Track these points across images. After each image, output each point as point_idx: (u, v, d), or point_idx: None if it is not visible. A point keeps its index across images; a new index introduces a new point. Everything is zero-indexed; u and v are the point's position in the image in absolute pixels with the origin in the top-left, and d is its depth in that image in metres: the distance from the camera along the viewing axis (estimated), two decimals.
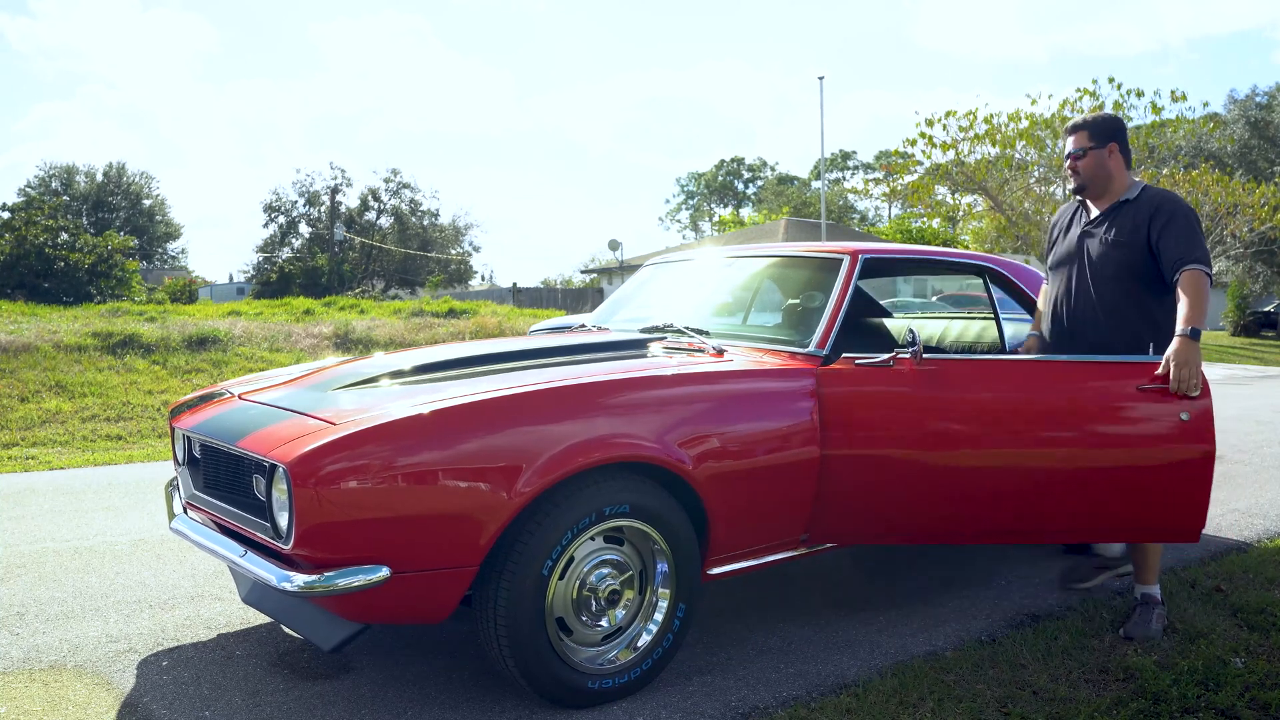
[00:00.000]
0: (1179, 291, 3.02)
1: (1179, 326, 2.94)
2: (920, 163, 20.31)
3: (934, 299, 21.33)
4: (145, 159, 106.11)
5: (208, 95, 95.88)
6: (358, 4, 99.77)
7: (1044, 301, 3.49)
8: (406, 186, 41.70)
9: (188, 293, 27.36)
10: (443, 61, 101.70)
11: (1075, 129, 3.28)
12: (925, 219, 31.07)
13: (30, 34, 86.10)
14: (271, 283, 31.32)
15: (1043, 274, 3.74)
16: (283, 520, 2.31)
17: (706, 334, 3.36)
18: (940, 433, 2.97)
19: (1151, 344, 3.12)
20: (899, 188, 21.64)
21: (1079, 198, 3.38)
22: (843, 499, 2.97)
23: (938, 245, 26.52)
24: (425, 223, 42.07)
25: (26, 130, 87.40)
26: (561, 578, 2.54)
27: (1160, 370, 2.91)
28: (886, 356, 2.99)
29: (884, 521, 3.09)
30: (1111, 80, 18.81)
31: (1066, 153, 3.31)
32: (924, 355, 2.99)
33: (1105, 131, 3.26)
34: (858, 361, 3.02)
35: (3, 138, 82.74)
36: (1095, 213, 3.30)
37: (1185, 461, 2.94)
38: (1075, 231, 3.34)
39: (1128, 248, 3.17)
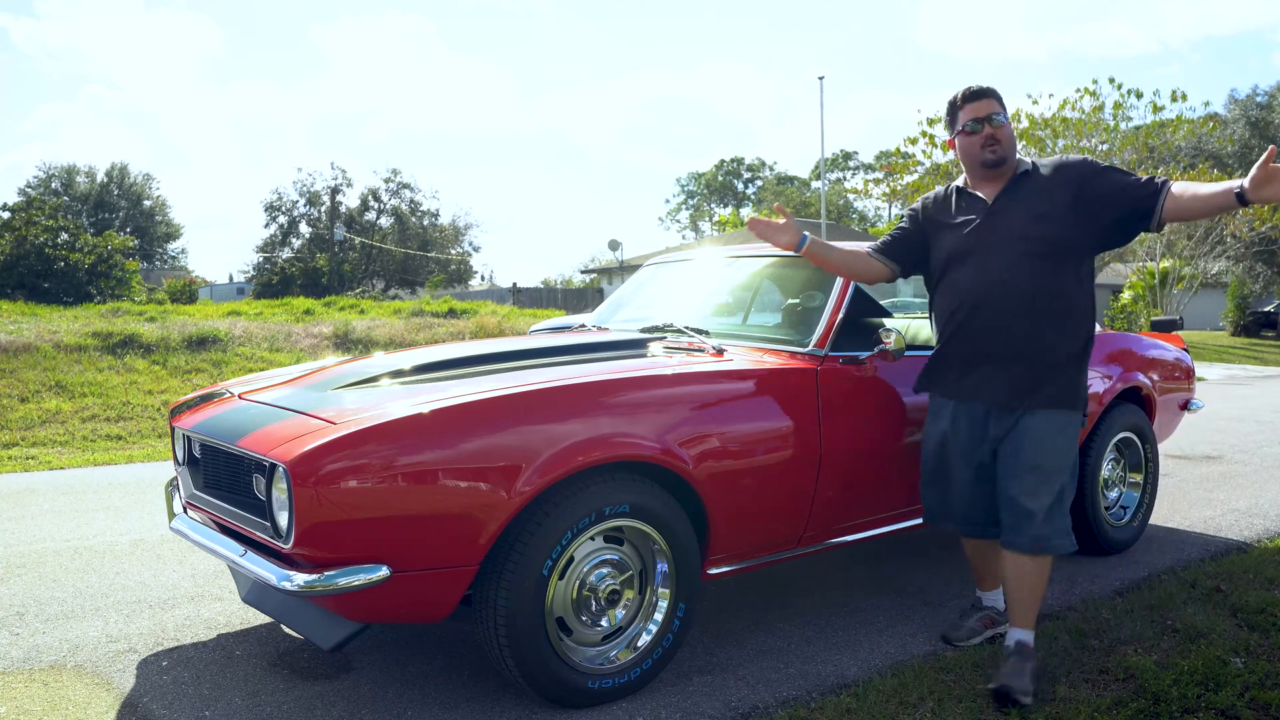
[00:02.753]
0: (1189, 200, 2.58)
1: (1229, 188, 2.47)
2: (921, 163, 20.34)
3: None
4: (147, 159, 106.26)
5: (211, 96, 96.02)
6: (361, 5, 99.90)
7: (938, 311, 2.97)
8: (406, 187, 41.73)
9: (188, 293, 27.32)
10: (446, 62, 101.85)
11: (983, 95, 2.82)
12: None
13: (35, 35, 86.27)
14: (272, 283, 31.31)
15: None
16: (282, 519, 2.31)
17: (706, 334, 3.36)
18: (904, 419, 3.26)
19: (1081, 338, 2.77)
20: (899, 188, 21.67)
21: (951, 185, 3.00)
22: (837, 493, 3.05)
23: None
24: (425, 223, 42.08)
25: (30, 130, 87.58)
26: (561, 578, 2.53)
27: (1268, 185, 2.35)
28: (866, 355, 3.16)
29: (865, 509, 3.25)
30: (1112, 80, 18.88)
31: (979, 119, 2.80)
32: (906, 353, 3.16)
33: (1004, 100, 2.87)
34: (841, 360, 3.12)
35: (7, 138, 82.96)
36: (989, 195, 2.85)
37: None
38: (971, 221, 2.84)
39: (1056, 221, 2.73)
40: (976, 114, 2.82)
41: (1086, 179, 2.74)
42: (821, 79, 26.26)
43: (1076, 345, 2.78)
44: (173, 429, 3.07)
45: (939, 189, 3.06)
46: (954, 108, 2.90)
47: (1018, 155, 2.89)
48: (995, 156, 2.81)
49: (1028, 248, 2.74)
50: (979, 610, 3.14)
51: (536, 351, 3.11)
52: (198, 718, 2.54)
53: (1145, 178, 2.69)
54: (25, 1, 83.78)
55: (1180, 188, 2.62)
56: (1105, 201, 2.71)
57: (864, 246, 3.14)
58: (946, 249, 2.90)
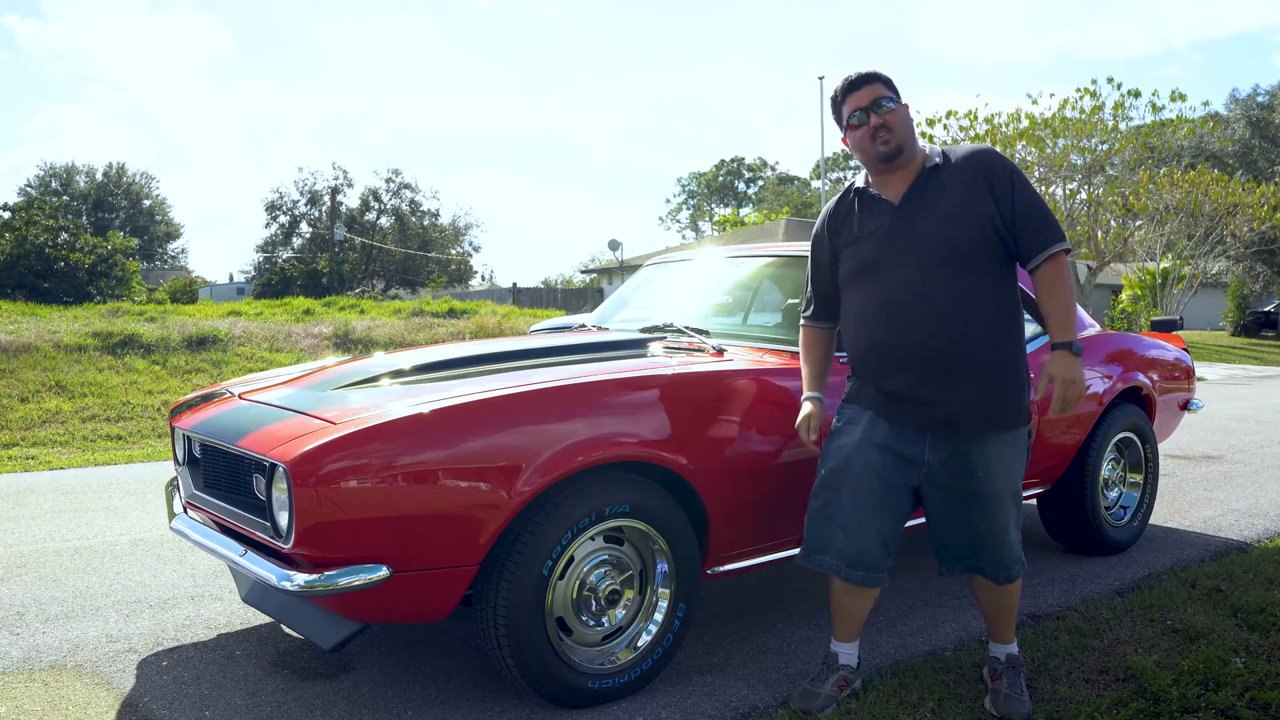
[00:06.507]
0: (1045, 286, 2.42)
1: (1058, 336, 2.38)
2: None
3: None
4: (150, 159, 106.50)
5: (214, 96, 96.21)
6: (364, 5, 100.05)
7: (850, 326, 2.62)
8: (407, 187, 41.77)
9: (188, 293, 27.36)
10: (449, 62, 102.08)
11: (865, 82, 2.49)
12: None
13: (40, 36, 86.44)
14: (272, 283, 31.31)
15: None
16: (283, 519, 2.31)
17: (707, 334, 3.36)
18: None
19: (1012, 353, 2.49)
20: None
21: (850, 187, 2.63)
22: None
23: None
24: (425, 223, 42.10)
25: (32, 131, 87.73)
26: (561, 577, 2.53)
27: (1040, 394, 2.45)
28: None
29: None
30: (1111, 80, 18.86)
31: (863, 108, 2.47)
32: None
33: (893, 83, 2.52)
34: (841, 360, 3.02)
35: (10, 139, 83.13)
36: (895, 195, 2.51)
37: None
38: (877, 229, 2.51)
39: (969, 223, 2.42)
40: (859, 103, 2.48)
41: (999, 191, 2.43)
42: (822, 79, 26.34)
43: (1011, 350, 2.47)
44: (173, 429, 3.07)
45: (836, 198, 2.68)
46: (837, 104, 2.56)
47: (925, 146, 2.58)
48: (888, 148, 2.46)
49: (941, 254, 2.41)
50: (834, 670, 2.64)
51: (536, 351, 3.11)
52: (198, 718, 2.54)
53: (1036, 228, 2.42)
54: (33, 3, 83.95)
55: (1049, 276, 2.42)
56: (1007, 222, 2.44)
57: (802, 320, 2.83)
58: (851, 264, 2.56)
